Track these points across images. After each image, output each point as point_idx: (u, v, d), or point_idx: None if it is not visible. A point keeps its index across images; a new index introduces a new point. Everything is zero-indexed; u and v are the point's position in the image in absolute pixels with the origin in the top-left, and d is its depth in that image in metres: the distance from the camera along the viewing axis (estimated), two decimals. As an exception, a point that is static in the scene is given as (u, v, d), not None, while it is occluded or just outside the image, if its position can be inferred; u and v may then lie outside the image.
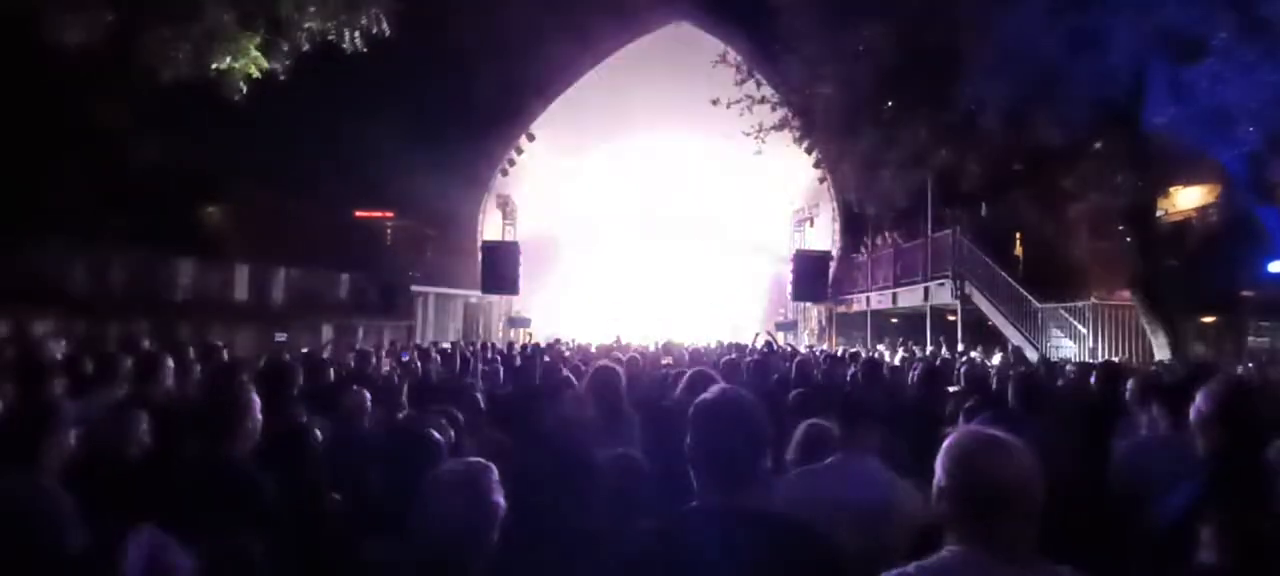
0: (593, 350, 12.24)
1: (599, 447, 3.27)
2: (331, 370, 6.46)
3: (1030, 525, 1.64)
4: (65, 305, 12.76)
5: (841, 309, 22.88)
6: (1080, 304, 13.76)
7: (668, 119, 21.42)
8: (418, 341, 15.81)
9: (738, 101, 15.11)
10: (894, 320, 20.46)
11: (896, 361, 11.41)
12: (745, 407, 2.00)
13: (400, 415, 4.50)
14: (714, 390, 2.08)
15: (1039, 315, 14.52)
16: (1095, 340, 13.22)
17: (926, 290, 17.37)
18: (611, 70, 21.16)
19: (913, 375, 6.10)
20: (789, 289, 22.44)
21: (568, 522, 2.71)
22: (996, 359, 11.64)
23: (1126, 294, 12.99)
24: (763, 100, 15.26)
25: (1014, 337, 14.15)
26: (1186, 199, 15.43)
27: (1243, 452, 2.53)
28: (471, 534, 2.12)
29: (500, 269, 20.27)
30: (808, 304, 23.45)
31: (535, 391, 5.91)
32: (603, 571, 2.07)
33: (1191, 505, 2.43)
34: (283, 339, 14.23)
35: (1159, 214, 13.32)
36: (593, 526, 2.60)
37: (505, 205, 24.06)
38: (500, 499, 2.19)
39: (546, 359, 9.47)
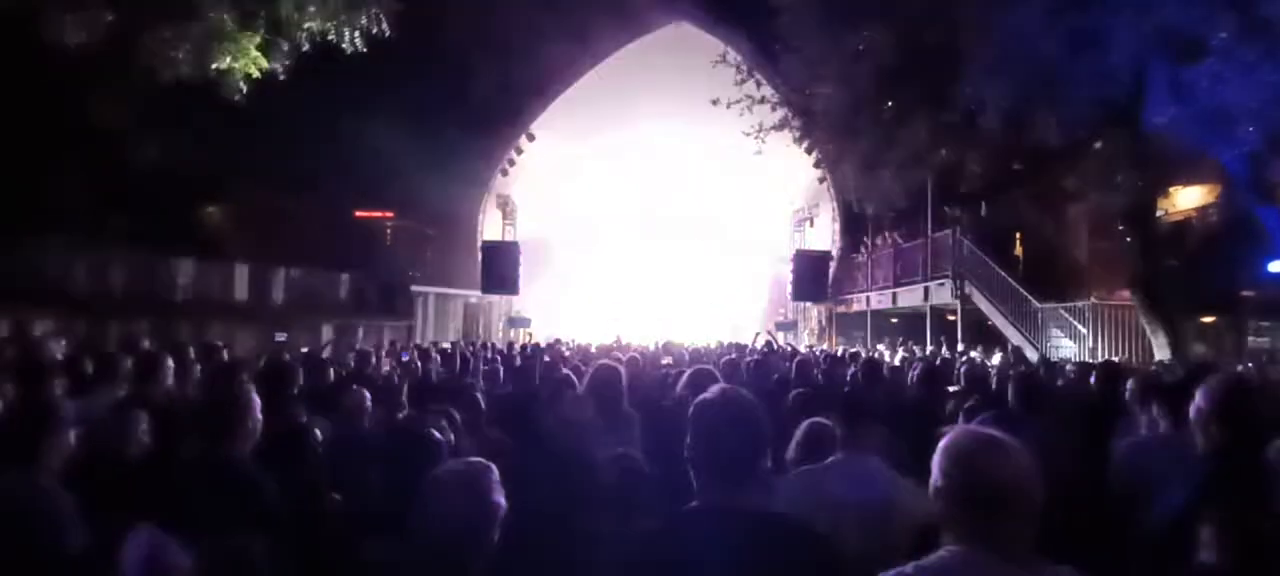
0: (593, 350, 12.24)
1: (599, 447, 3.27)
2: (331, 370, 6.47)
3: (1028, 524, 1.64)
4: (65, 305, 12.77)
5: (841, 309, 22.88)
6: (1080, 304, 13.75)
7: (667, 119, 21.42)
8: (418, 341, 15.81)
9: (738, 101, 15.10)
10: (894, 320, 20.45)
11: (896, 361, 11.40)
12: (745, 407, 2.00)
13: (400, 415, 4.50)
14: (714, 390, 2.08)
15: (1039, 315, 14.52)
16: (1095, 340, 13.21)
17: (926, 290, 17.37)
18: (611, 70, 21.15)
19: (912, 375, 6.10)
20: (789, 289, 22.43)
21: (568, 522, 2.71)
22: (996, 359, 11.64)
23: (1126, 294, 12.98)
24: (763, 100, 15.25)
25: (1014, 337, 14.14)
26: (1186, 199, 15.42)
27: (1242, 451, 2.53)
28: (472, 533, 2.12)
29: (500, 269, 20.27)
30: (808, 304, 23.44)
31: (535, 391, 5.91)
32: (603, 571, 2.08)
33: (1190, 503, 2.43)
34: (283, 339, 14.23)
35: (1159, 214, 13.31)
36: (593, 526, 2.61)
37: (505, 205, 24.07)
38: (500, 499, 2.19)
39: (546, 359, 9.47)
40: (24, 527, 2.56)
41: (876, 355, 11.04)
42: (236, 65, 10.68)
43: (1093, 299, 13.61)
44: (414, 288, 20.42)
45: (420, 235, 21.65)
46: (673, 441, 2.13)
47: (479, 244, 21.54)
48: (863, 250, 21.55)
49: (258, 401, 3.10)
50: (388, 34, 11.43)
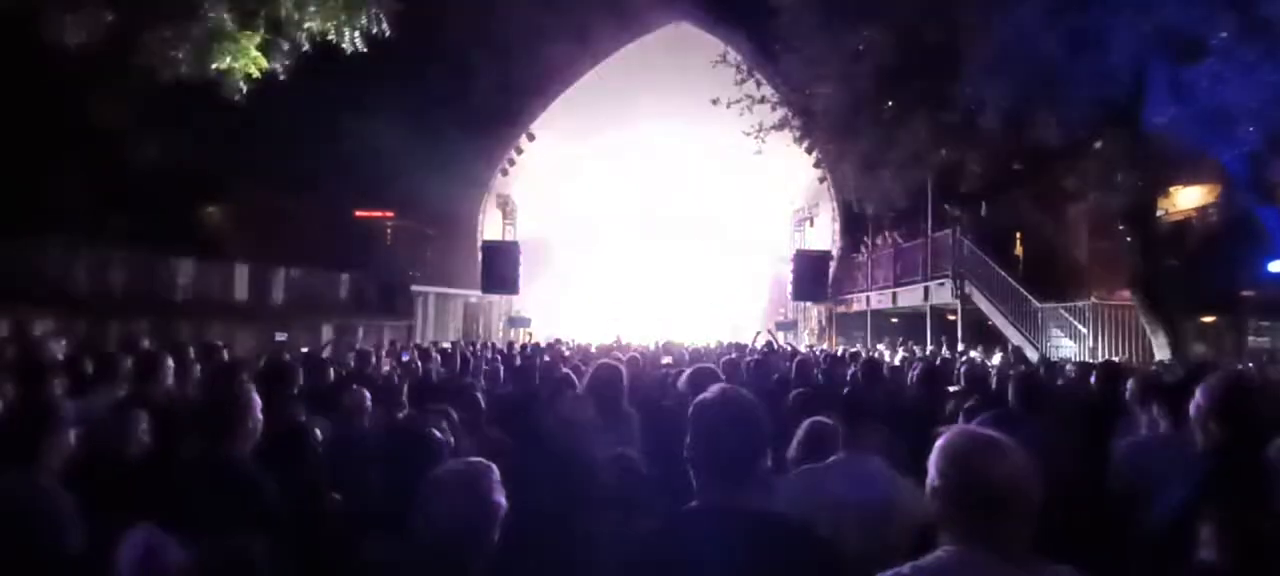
0: (593, 350, 12.24)
1: (599, 447, 3.27)
2: (331, 370, 6.47)
3: (1025, 524, 1.64)
4: (65, 305, 12.76)
5: (841, 309, 22.88)
6: (1080, 304, 13.76)
7: (667, 119, 21.42)
8: (418, 341, 15.81)
9: (738, 101, 15.10)
10: (894, 320, 20.46)
11: (897, 361, 11.40)
12: (745, 407, 1.99)
13: (400, 415, 4.50)
14: (713, 390, 2.08)
15: (1039, 315, 14.52)
16: (1095, 340, 13.21)
17: (926, 290, 17.37)
18: (611, 70, 21.15)
19: (912, 375, 6.10)
20: (789, 289, 22.43)
21: (568, 522, 2.71)
22: (996, 359, 11.64)
23: (1126, 294, 12.98)
24: (763, 100, 15.25)
25: (1014, 337, 14.14)
26: (1186, 199, 15.42)
27: (1242, 450, 2.53)
28: (472, 533, 2.12)
29: (500, 269, 20.28)
30: (808, 304, 23.44)
31: (535, 391, 5.91)
32: (603, 571, 2.08)
33: (1190, 502, 2.43)
34: (283, 339, 14.23)
35: (1159, 214, 13.31)
36: (593, 526, 2.61)
37: (505, 205, 24.07)
38: (501, 499, 2.19)
39: (546, 359, 9.46)
40: (24, 527, 2.56)
41: (876, 355, 11.04)
42: (236, 65, 10.67)
43: (1093, 299, 13.61)
44: (414, 287, 20.42)
45: (420, 235, 21.64)
46: (673, 441, 2.13)
47: (479, 244, 21.54)
48: (863, 250, 21.55)
49: (258, 401, 3.10)
50: (388, 34, 11.42)
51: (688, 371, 4.90)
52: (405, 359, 8.91)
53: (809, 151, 18.96)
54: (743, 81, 15.45)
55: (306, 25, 10.91)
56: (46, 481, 2.69)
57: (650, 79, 20.05)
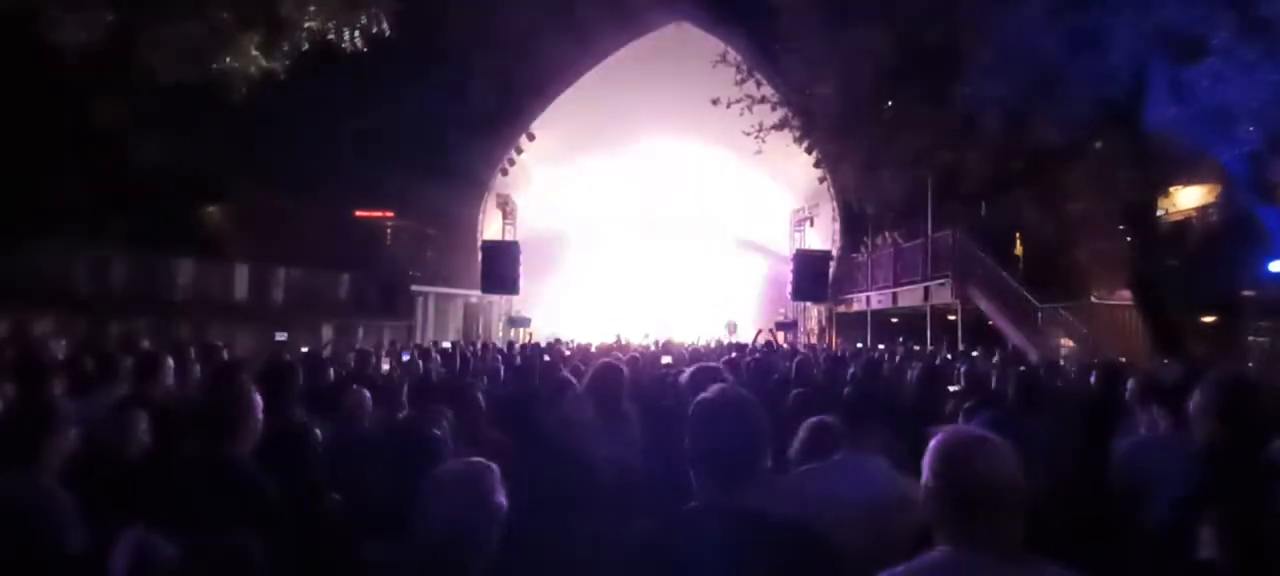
0: (593, 350, 12.24)
1: (599, 447, 3.27)
2: (331, 370, 6.46)
3: (1015, 522, 1.64)
4: (65, 305, 12.77)
5: (841, 309, 22.87)
6: (1080, 304, 13.76)
7: (667, 119, 21.43)
8: (418, 341, 15.80)
9: (738, 101, 15.10)
10: (894, 320, 20.45)
11: (896, 360, 11.40)
12: (744, 407, 2.00)
13: (400, 415, 4.50)
14: (713, 389, 2.08)
15: (1039, 315, 14.52)
16: (1095, 340, 13.22)
17: (926, 290, 17.36)
18: (611, 70, 21.14)
19: (912, 374, 6.10)
20: (789, 289, 22.43)
21: (568, 523, 2.71)
22: (996, 359, 11.64)
23: (1126, 294, 12.98)
24: (763, 100, 15.25)
25: (1014, 337, 14.15)
26: (1186, 199, 15.41)
27: (1241, 449, 2.53)
28: (473, 534, 2.12)
29: (500, 269, 20.27)
30: (808, 304, 23.44)
31: (535, 391, 5.90)
32: (603, 571, 2.08)
33: (1189, 501, 2.43)
34: (283, 339, 14.23)
35: (1159, 214, 13.31)
36: (593, 526, 2.60)
37: (505, 205, 24.06)
38: (502, 499, 2.19)
39: (546, 359, 9.46)
40: (24, 527, 2.56)
41: (876, 354, 11.03)
42: (236, 65, 10.68)
43: (1093, 299, 13.61)
44: (414, 287, 20.42)
45: (420, 235, 21.65)
46: (673, 441, 2.13)
47: (479, 244, 21.55)
48: (863, 250, 21.54)
49: (259, 401, 3.10)
50: (388, 33, 11.44)
51: (688, 371, 4.89)
52: (405, 359, 8.91)
53: (809, 151, 18.96)
54: (743, 81, 15.44)
55: (306, 25, 10.93)
56: (46, 481, 2.69)
57: (650, 79, 20.05)
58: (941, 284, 16.64)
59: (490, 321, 24.02)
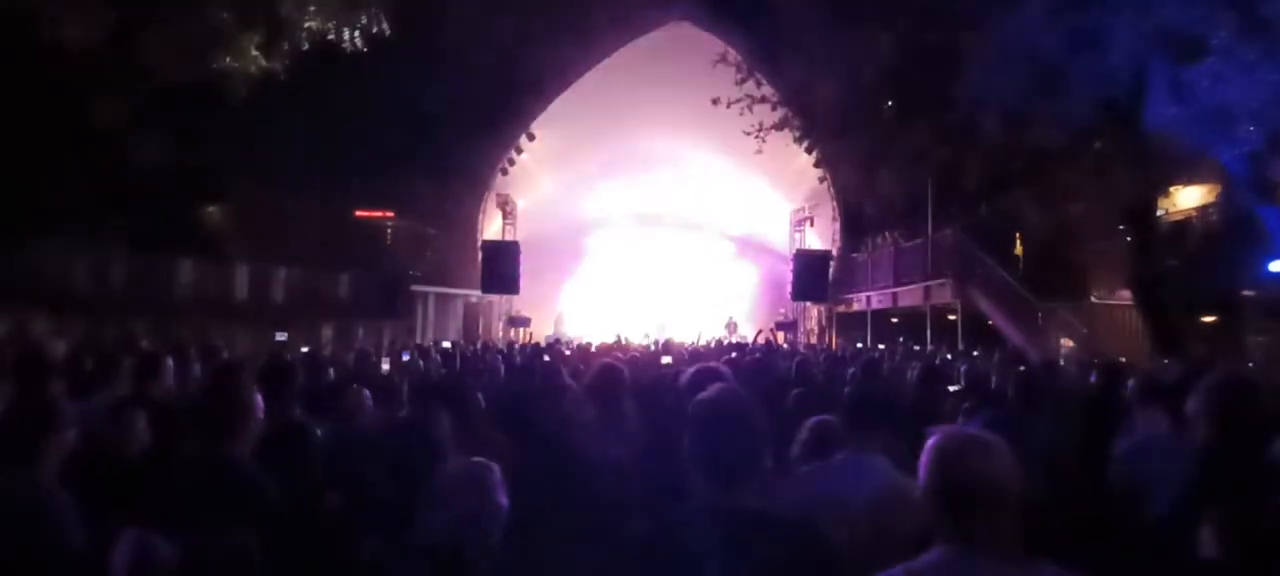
0: (593, 349, 12.23)
1: (599, 447, 3.27)
2: (331, 370, 6.46)
3: (1010, 521, 1.64)
4: (65, 305, 12.75)
5: (841, 309, 22.87)
6: (1080, 304, 13.76)
7: (667, 119, 21.40)
8: (418, 341, 15.80)
9: (738, 101, 15.12)
10: (894, 320, 20.45)
11: (897, 360, 11.40)
12: (744, 407, 2.00)
13: (400, 414, 4.49)
14: (712, 389, 2.08)
15: (1039, 315, 14.52)
16: (1095, 340, 13.22)
17: (926, 290, 17.36)
18: (611, 70, 21.13)
19: (912, 374, 6.10)
20: (789, 289, 22.43)
21: (568, 522, 2.71)
22: (996, 358, 11.65)
23: (1126, 294, 12.99)
24: (763, 100, 15.27)
25: (1014, 337, 14.15)
26: (1186, 199, 15.42)
27: (1240, 449, 2.53)
28: (474, 534, 2.12)
29: (500, 268, 20.28)
30: (808, 304, 23.44)
31: (535, 391, 5.90)
32: (602, 571, 2.08)
33: (1189, 501, 2.43)
34: (283, 339, 14.23)
35: (1159, 214, 13.32)
36: (592, 526, 2.60)
37: (505, 205, 24.06)
38: (503, 499, 2.19)
39: (546, 359, 9.45)
40: (24, 527, 2.56)
41: (876, 354, 11.03)
42: (236, 65, 10.68)
43: (1093, 299, 13.62)
44: (414, 287, 20.41)
45: (420, 235, 21.64)
46: (673, 441, 2.13)
47: (479, 244, 21.54)
48: (863, 250, 21.54)
49: (259, 401, 3.10)
50: (387, 33, 11.44)
51: (689, 371, 4.89)
52: (405, 358, 8.91)
53: (809, 151, 18.97)
54: (743, 81, 15.46)
55: (306, 25, 10.94)
56: (46, 481, 2.69)
57: (650, 79, 20.03)
58: (941, 284, 16.64)
59: (490, 321, 24.02)
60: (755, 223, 26.67)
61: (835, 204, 22.04)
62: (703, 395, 2.05)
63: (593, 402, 3.86)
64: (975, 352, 11.37)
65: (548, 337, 18.09)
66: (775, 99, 15.35)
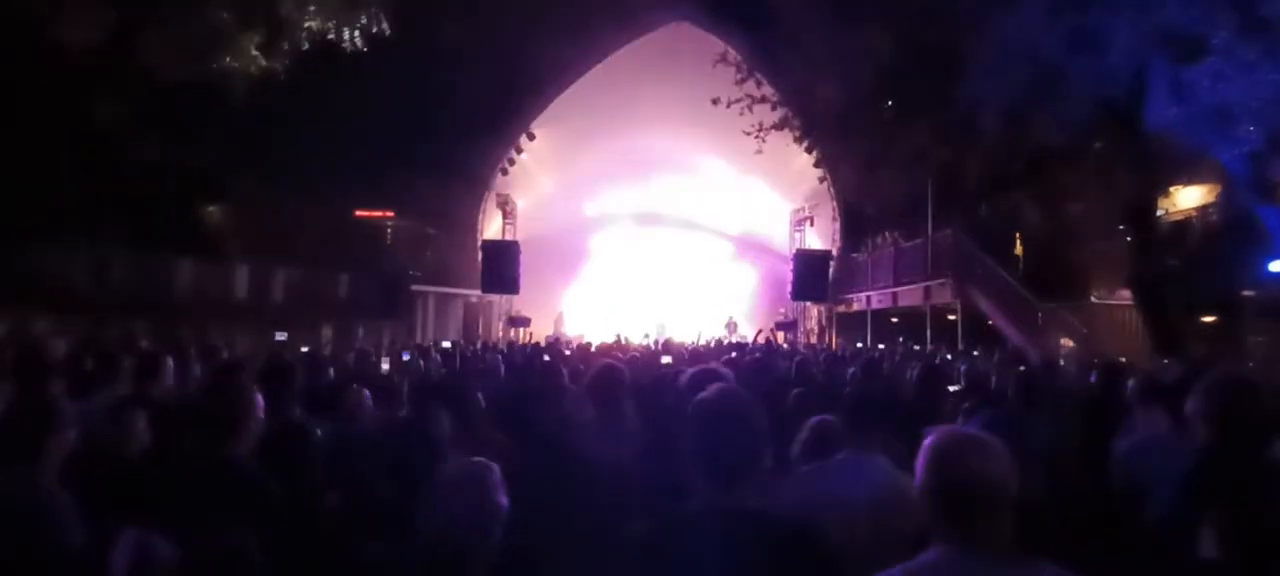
0: (593, 349, 12.23)
1: (599, 447, 3.27)
2: (331, 370, 6.46)
3: (1005, 521, 1.64)
4: (65, 305, 12.75)
5: (841, 309, 22.87)
6: (1080, 304, 13.76)
7: (667, 119, 21.41)
8: (418, 341, 15.80)
9: (738, 101, 15.12)
10: (894, 320, 20.44)
11: (897, 360, 11.40)
12: (744, 407, 2.00)
13: (400, 414, 4.49)
14: (712, 389, 2.08)
15: (1039, 315, 14.52)
16: (1095, 340, 13.22)
17: (927, 290, 17.36)
18: (611, 70, 21.13)
19: (912, 374, 6.10)
20: (789, 289, 22.43)
21: (568, 523, 2.71)
22: (996, 358, 11.65)
23: (1126, 294, 12.99)
24: (763, 100, 15.27)
25: (1014, 337, 14.15)
26: (1186, 199, 15.42)
27: (1240, 449, 2.53)
28: (474, 534, 2.12)
29: (500, 268, 20.28)
30: (808, 304, 23.44)
31: (535, 391, 5.90)
32: (602, 571, 2.08)
33: (1189, 501, 2.43)
34: (283, 339, 14.22)
35: (1159, 214, 13.32)
36: (592, 526, 2.60)
37: (505, 205, 24.07)
38: (503, 499, 2.19)
39: (546, 359, 9.45)
40: (24, 527, 2.56)
41: (876, 354, 11.04)
42: (236, 65, 10.69)
43: (1093, 299, 13.62)
44: (414, 288, 20.41)
45: (420, 235, 21.64)
46: (673, 441, 2.13)
47: (479, 244, 21.54)
48: (863, 250, 21.54)
49: (259, 401, 3.10)
50: (387, 33, 11.44)
51: (689, 371, 4.89)
52: (405, 358, 8.91)
53: (809, 151, 18.97)
54: (743, 81, 15.46)
55: (306, 25, 10.95)
56: (46, 481, 2.69)
57: (650, 79, 20.03)
58: (941, 284, 16.64)
59: (490, 321, 24.02)
60: (755, 222, 26.67)
61: (835, 204, 22.05)
62: (703, 395, 2.05)
63: (592, 403, 3.86)
64: (975, 352, 11.37)
65: (548, 337, 18.09)
66: (775, 99, 15.35)
